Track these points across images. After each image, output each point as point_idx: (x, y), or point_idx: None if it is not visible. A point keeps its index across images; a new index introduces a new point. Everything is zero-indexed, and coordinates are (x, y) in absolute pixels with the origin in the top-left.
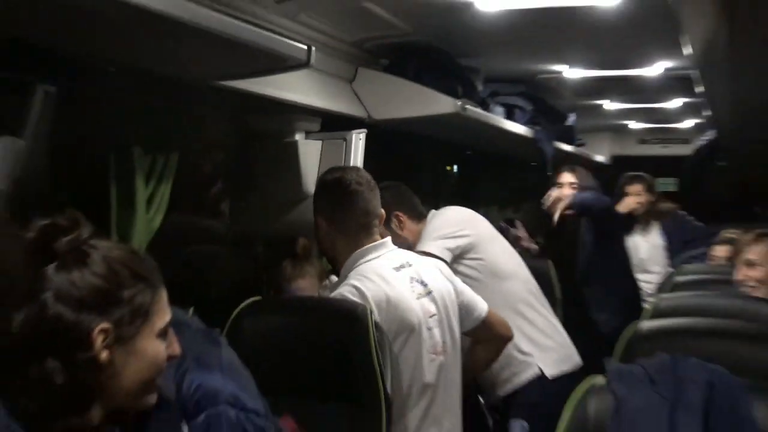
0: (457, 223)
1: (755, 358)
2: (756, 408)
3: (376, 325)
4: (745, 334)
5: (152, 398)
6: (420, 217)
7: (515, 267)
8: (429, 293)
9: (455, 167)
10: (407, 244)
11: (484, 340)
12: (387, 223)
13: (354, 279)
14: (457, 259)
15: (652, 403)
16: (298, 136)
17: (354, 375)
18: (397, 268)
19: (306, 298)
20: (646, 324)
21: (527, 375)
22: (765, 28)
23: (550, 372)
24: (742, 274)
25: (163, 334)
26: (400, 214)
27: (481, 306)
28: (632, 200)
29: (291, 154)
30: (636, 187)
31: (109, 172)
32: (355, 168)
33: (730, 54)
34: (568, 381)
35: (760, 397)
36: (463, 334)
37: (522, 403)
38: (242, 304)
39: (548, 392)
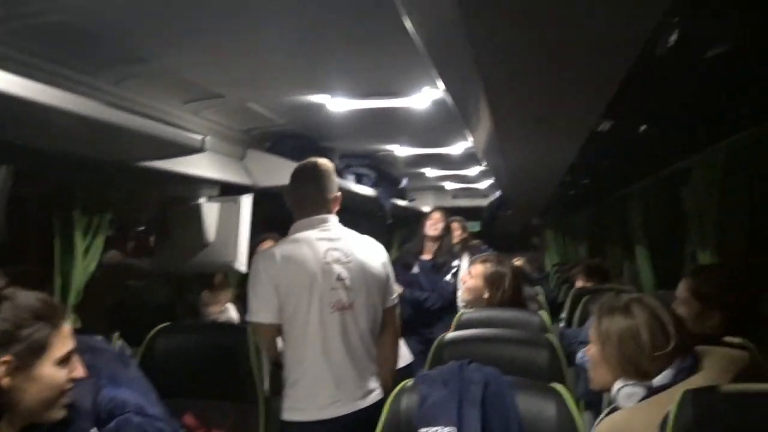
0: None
1: (521, 357)
2: (518, 399)
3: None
4: (518, 339)
5: (57, 413)
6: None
7: None
8: (348, 262)
9: None
10: None
11: (387, 323)
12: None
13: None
14: None
15: (445, 399)
16: (202, 200)
17: (238, 378)
18: (321, 239)
19: (204, 323)
20: (450, 335)
21: None
22: (520, 127)
23: None
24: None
25: (63, 362)
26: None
27: (395, 295)
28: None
29: (197, 212)
30: (456, 225)
31: (54, 229)
32: (314, 161)
33: (498, 142)
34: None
35: (523, 389)
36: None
37: None
38: (155, 329)
39: None
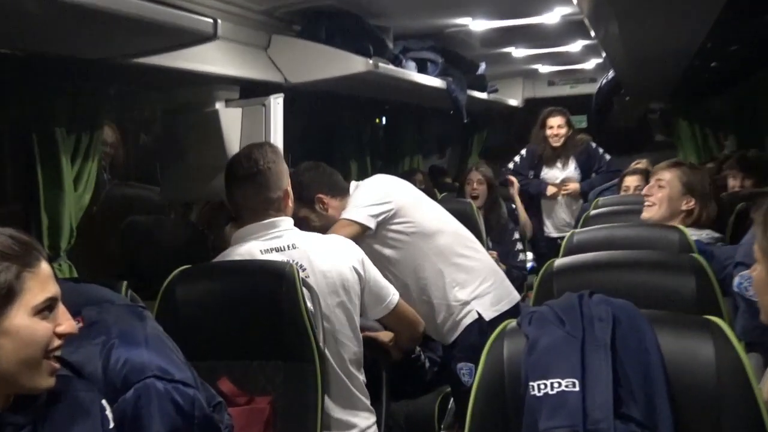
0: (379, 192)
1: (660, 285)
2: (661, 338)
3: (305, 282)
4: (649, 262)
5: (46, 380)
6: (343, 193)
7: (442, 222)
8: (305, 278)
9: (383, 119)
10: (333, 222)
11: (396, 328)
12: (311, 206)
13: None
14: (384, 226)
15: (562, 343)
16: (218, 105)
17: (285, 332)
18: (268, 251)
19: (233, 262)
20: (558, 262)
21: (466, 321)
22: None
23: (487, 314)
24: (647, 189)
25: (42, 311)
26: (322, 196)
27: (392, 296)
28: (552, 132)
29: (213, 122)
30: (557, 119)
31: (34, 154)
32: (259, 145)
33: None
34: (505, 319)
35: (667, 326)
36: (376, 320)
37: (463, 346)
38: (172, 274)
39: (486, 333)
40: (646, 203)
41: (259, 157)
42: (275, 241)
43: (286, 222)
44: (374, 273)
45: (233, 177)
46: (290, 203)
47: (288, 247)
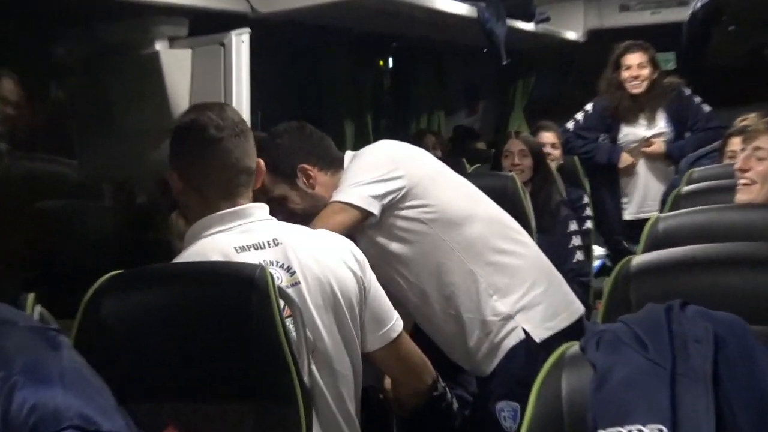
0: (384, 162)
1: None
2: None
3: (283, 293)
4: (765, 261)
5: None
6: (335, 164)
7: (473, 205)
8: (295, 284)
9: (390, 62)
10: (321, 205)
11: (394, 373)
12: (292, 181)
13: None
14: (391, 211)
15: (644, 374)
16: (160, 46)
17: (256, 362)
18: (245, 248)
19: (182, 266)
20: (638, 260)
21: (509, 342)
22: None
23: (538, 334)
24: (742, 161)
25: None
26: (306, 166)
27: (395, 322)
28: (630, 74)
29: (152, 69)
30: (636, 57)
31: None
32: (219, 105)
33: None
34: (563, 340)
35: None
36: (367, 355)
37: (504, 379)
38: (97, 282)
39: (537, 359)
40: (742, 180)
41: (225, 117)
42: (249, 236)
43: (261, 210)
44: (376, 283)
45: (189, 147)
46: (260, 182)
47: (268, 243)
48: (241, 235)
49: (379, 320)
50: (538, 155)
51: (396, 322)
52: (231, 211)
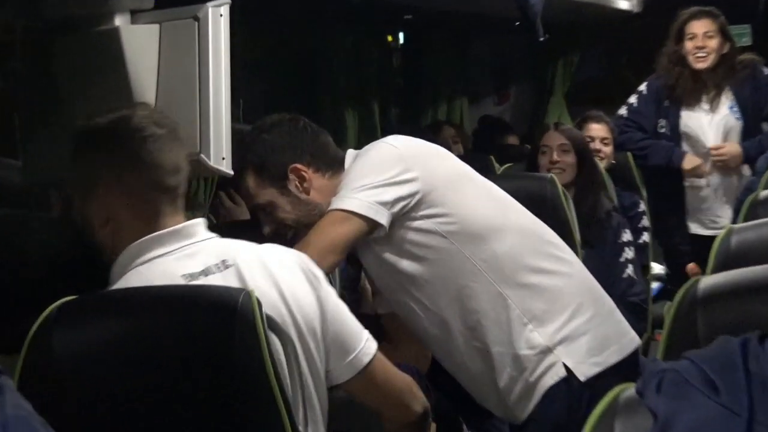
0: (394, 162)
1: None
2: None
3: (272, 323)
4: None
5: None
6: (334, 165)
7: (503, 213)
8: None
9: (401, 37)
10: (316, 213)
11: (376, 406)
12: (281, 184)
13: None
14: (402, 221)
15: (715, 423)
16: (120, 21)
17: (240, 409)
18: (194, 275)
19: (153, 290)
20: (707, 281)
21: (546, 381)
22: None
23: (583, 371)
24: None
25: None
26: (299, 167)
27: (367, 344)
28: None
29: (111, 49)
30: (703, 24)
31: None
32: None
33: None
34: (613, 379)
35: None
36: (337, 388)
37: (542, 426)
38: (47, 311)
39: (581, 403)
40: None
41: (151, 115)
42: (196, 260)
43: (202, 227)
44: (335, 298)
45: (110, 151)
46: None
47: (217, 267)
48: (187, 260)
49: (345, 344)
50: (582, 151)
51: (366, 344)
52: (172, 230)
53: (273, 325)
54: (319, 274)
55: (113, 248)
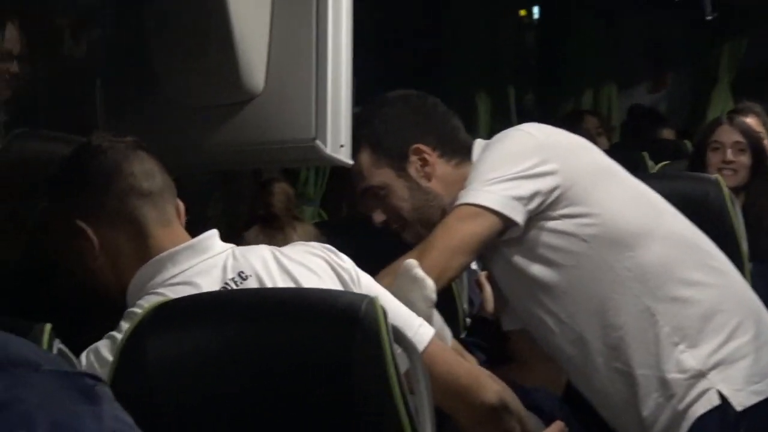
0: (531, 153)
1: None
2: None
3: (398, 335)
4: None
5: None
6: (461, 152)
7: (653, 217)
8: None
9: (535, 10)
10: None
11: (437, 400)
12: (400, 165)
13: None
14: (537, 220)
15: None
16: None
17: (356, 423)
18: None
19: (260, 293)
20: None
21: (697, 410)
22: None
23: (740, 399)
24: None
25: None
26: (423, 147)
27: (420, 330)
28: None
29: (215, 16)
30: None
31: None
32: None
33: None
34: None
35: None
36: None
37: None
38: (144, 311)
39: None
40: None
41: (107, 136)
42: (213, 276)
43: (216, 239)
44: (375, 289)
45: (105, 176)
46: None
47: (234, 282)
48: (205, 278)
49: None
50: (760, 153)
51: (420, 330)
52: (186, 246)
53: (401, 337)
54: (351, 267)
55: (116, 276)
